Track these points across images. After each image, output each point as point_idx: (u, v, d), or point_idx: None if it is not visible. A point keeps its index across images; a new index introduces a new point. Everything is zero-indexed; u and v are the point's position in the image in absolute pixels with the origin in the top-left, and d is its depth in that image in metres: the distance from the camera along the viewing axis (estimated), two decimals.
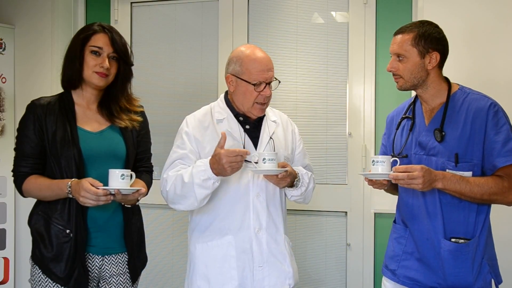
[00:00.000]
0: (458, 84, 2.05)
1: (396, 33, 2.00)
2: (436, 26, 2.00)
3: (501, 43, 2.81)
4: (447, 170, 1.92)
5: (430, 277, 1.98)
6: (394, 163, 1.92)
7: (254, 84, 2.07)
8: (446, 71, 2.87)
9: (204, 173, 1.97)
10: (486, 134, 1.91)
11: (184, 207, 2.09)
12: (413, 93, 2.19)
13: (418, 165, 1.84)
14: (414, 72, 1.96)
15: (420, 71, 1.97)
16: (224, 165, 1.91)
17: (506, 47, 2.81)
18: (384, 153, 2.20)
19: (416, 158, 2.00)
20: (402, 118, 2.11)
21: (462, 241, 1.93)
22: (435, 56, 1.97)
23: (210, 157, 2.00)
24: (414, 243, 2.03)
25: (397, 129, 2.12)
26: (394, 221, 2.18)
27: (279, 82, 2.16)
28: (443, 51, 2.00)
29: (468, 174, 1.91)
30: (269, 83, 2.11)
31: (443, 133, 1.94)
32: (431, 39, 1.95)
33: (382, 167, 1.90)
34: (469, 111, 1.94)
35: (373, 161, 1.93)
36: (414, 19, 3.04)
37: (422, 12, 2.93)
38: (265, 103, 2.13)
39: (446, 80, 2.05)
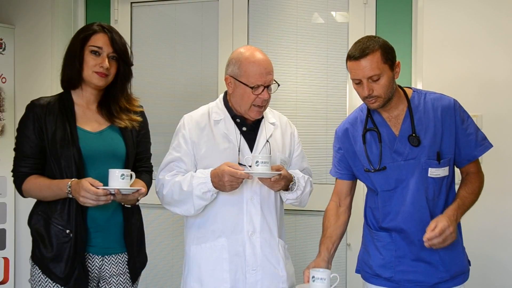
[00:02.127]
0: (410, 88, 2.09)
1: (356, 58, 1.90)
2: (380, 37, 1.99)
3: (501, 43, 2.81)
4: (429, 169, 1.97)
5: (433, 273, 1.99)
6: (334, 279, 1.89)
7: (252, 87, 2.06)
8: (446, 71, 2.88)
9: (204, 185, 2.01)
10: (457, 130, 1.99)
11: (180, 211, 2.12)
12: (359, 101, 2.21)
13: (441, 219, 1.87)
14: (390, 87, 1.94)
15: (393, 84, 1.96)
16: (225, 183, 1.96)
17: (506, 47, 2.81)
18: (345, 168, 2.15)
19: (395, 166, 2.00)
20: (365, 131, 2.06)
21: None
22: (399, 65, 1.98)
23: (211, 169, 2.03)
24: (406, 245, 2.02)
25: (364, 143, 2.06)
26: (370, 228, 2.12)
27: (278, 85, 2.14)
28: None
29: (446, 169, 1.99)
30: (267, 86, 2.09)
31: (418, 137, 1.97)
32: (392, 50, 1.95)
33: (322, 285, 1.83)
34: (436, 110, 1.99)
35: (313, 277, 1.86)
36: (414, 19, 3.04)
37: (422, 12, 2.93)
38: (262, 106, 2.11)
39: (399, 86, 2.06)
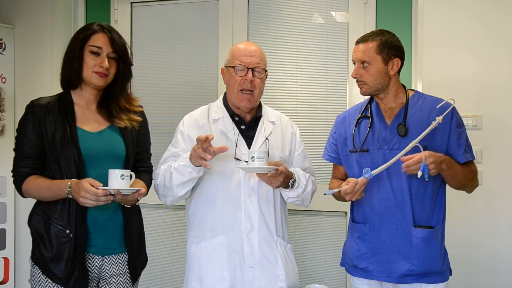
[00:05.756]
0: (414, 90, 2.20)
1: (358, 42, 2.11)
2: (395, 35, 2.13)
3: (500, 43, 2.81)
4: None
5: (403, 264, 2.03)
6: None
7: (234, 67, 2.11)
8: (446, 71, 2.88)
9: (183, 159, 2.02)
10: (451, 132, 2.06)
11: (170, 200, 2.12)
12: (359, 101, 2.25)
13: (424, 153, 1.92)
14: (378, 78, 2.08)
15: (384, 77, 2.09)
16: (192, 152, 1.94)
17: (506, 47, 2.81)
18: (334, 151, 2.27)
19: (380, 153, 2.08)
20: (360, 117, 2.19)
21: (429, 228, 2.04)
22: (397, 62, 2.10)
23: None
24: (382, 236, 2.06)
25: (355, 126, 2.17)
26: (353, 221, 2.20)
27: (266, 71, 2.18)
28: (402, 58, 2.13)
29: None
30: (252, 70, 2.11)
31: (406, 128, 2.05)
32: (393, 47, 2.09)
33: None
34: (432, 109, 2.06)
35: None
36: (414, 19, 3.04)
37: (422, 12, 2.94)
38: (250, 92, 2.12)
39: (403, 86, 2.18)
